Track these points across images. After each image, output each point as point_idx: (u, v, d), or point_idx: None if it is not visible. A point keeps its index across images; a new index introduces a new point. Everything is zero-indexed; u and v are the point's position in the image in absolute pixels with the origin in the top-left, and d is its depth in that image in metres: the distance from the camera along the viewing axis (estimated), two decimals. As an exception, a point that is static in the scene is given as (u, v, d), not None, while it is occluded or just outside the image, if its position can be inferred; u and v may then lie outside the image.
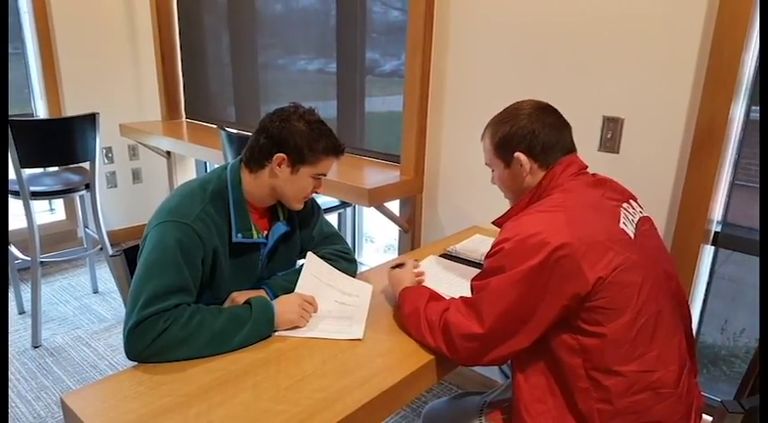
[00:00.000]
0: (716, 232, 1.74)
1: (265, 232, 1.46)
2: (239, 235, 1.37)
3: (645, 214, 1.28)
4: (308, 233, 1.60)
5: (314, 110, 1.41)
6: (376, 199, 2.18)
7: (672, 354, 1.13)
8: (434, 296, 1.34)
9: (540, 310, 1.09)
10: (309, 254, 1.53)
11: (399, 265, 1.55)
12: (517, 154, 1.24)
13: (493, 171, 1.34)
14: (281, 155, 1.35)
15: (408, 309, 1.33)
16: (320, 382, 1.14)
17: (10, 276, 2.98)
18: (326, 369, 1.19)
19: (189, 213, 1.29)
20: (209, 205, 1.33)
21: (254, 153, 1.38)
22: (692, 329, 1.27)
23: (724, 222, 1.74)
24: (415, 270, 1.53)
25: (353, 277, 1.59)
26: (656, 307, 1.12)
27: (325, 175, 1.44)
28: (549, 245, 1.07)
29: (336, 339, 1.30)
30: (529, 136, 1.23)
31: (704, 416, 1.24)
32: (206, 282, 1.34)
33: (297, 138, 1.35)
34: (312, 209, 1.61)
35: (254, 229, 1.40)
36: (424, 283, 1.49)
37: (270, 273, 1.50)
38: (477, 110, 2.15)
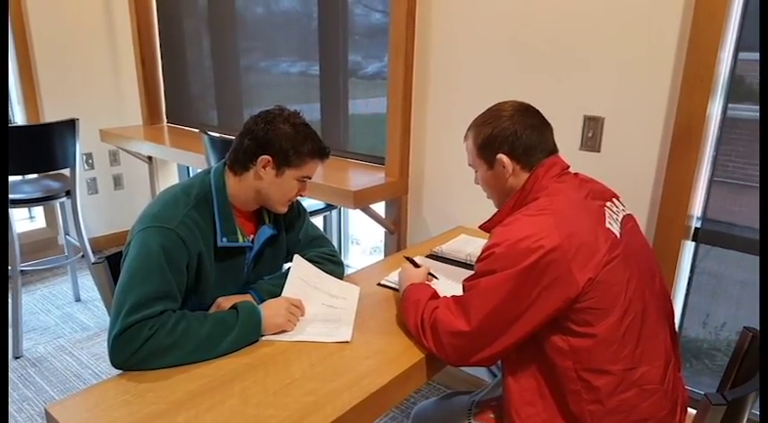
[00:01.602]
0: (696, 228, 1.77)
1: (251, 236, 1.45)
2: (224, 239, 1.36)
3: (627, 212, 1.30)
4: (294, 236, 1.60)
5: (299, 112, 1.41)
6: (361, 201, 2.18)
7: (657, 350, 1.15)
8: (435, 296, 1.34)
9: (529, 311, 1.10)
10: (296, 257, 1.53)
11: (415, 264, 1.57)
12: (500, 155, 1.25)
13: (476, 172, 1.35)
14: (266, 157, 1.35)
15: (410, 300, 1.34)
16: (309, 385, 1.14)
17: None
18: (315, 372, 1.18)
19: (172, 218, 1.28)
20: (193, 210, 1.32)
21: (239, 155, 1.38)
22: (675, 325, 1.29)
23: (704, 218, 1.77)
24: (428, 281, 1.54)
25: (341, 279, 1.59)
26: (641, 304, 1.14)
27: (310, 178, 1.44)
28: (540, 249, 1.08)
29: (324, 342, 1.30)
30: (511, 137, 1.24)
31: (689, 409, 1.26)
32: (191, 287, 1.33)
33: (282, 140, 1.35)
34: (298, 212, 1.60)
35: (239, 232, 1.39)
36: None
37: (256, 277, 1.49)
38: (459, 111, 2.16)
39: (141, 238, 1.26)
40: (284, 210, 1.45)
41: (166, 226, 1.26)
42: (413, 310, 1.31)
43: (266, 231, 1.47)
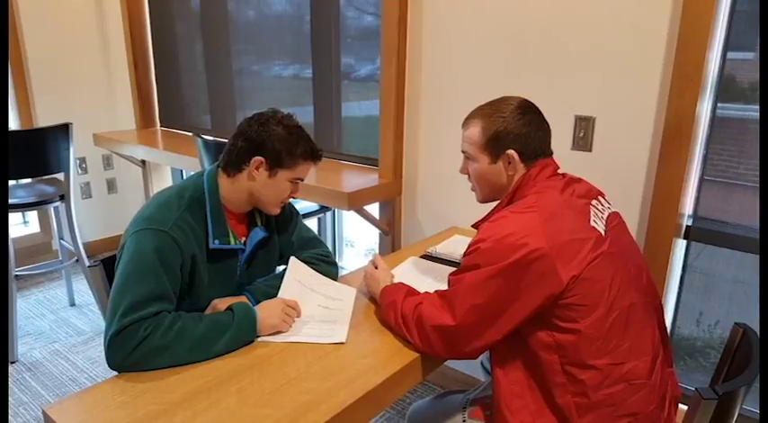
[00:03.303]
0: (687, 226, 1.79)
1: (243, 238, 1.46)
2: (216, 241, 1.36)
3: (613, 210, 1.32)
4: (287, 238, 1.60)
5: (292, 115, 1.42)
6: (355, 202, 2.19)
7: (644, 345, 1.16)
8: (411, 292, 1.36)
9: (513, 307, 1.12)
10: (292, 258, 1.53)
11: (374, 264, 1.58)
12: (510, 151, 1.26)
13: (467, 159, 1.35)
14: (260, 158, 1.36)
15: (386, 304, 1.36)
16: (305, 384, 1.15)
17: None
18: (311, 372, 1.19)
19: (166, 220, 1.28)
20: (186, 212, 1.33)
21: (233, 157, 1.38)
22: (664, 321, 1.31)
23: (695, 216, 1.79)
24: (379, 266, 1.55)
25: (335, 280, 1.60)
26: (627, 300, 1.15)
27: (302, 180, 1.45)
28: (525, 246, 1.09)
29: (319, 343, 1.31)
30: (524, 136, 1.26)
31: (681, 405, 1.27)
32: (185, 289, 1.34)
33: (275, 141, 1.36)
34: (290, 214, 1.61)
35: (231, 235, 1.40)
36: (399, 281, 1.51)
37: (249, 279, 1.50)
38: (452, 111, 2.18)
39: (135, 240, 1.26)
40: (277, 211, 1.46)
41: (160, 228, 1.27)
42: (392, 312, 1.33)
43: (258, 234, 1.48)
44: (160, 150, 3.08)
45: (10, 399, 2.33)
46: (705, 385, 1.07)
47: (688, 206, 1.77)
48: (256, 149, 1.36)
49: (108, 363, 1.18)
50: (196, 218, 1.34)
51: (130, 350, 1.15)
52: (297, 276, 1.50)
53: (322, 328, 1.37)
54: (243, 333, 1.27)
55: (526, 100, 1.31)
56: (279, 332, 1.33)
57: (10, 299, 2.60)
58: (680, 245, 1.82)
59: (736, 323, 1.26)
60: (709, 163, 1.75)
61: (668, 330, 1.54)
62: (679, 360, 2.11)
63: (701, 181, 1.76)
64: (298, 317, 1.39)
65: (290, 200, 1.50)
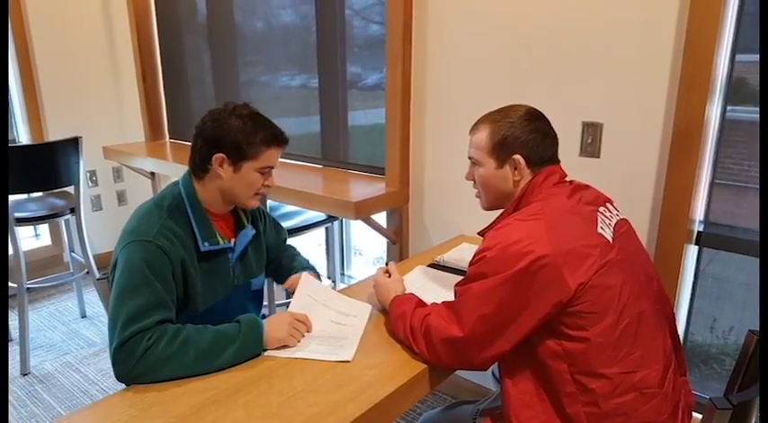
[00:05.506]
0: (699, 232, 1.77)
1: (232, 239, 1.46)
2: (206, 243, 1.36)
3: (622, 217, 1.30)
4: (270, 239, 1.66)
5: (248, 104, 1.40)
6: (362, 211, 2.19)
7: (655, 353, 1.15)
8: (421, 303, 1.35)
9: (522, 316, 1.10)
10: (304, 274, 1.54)
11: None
12: (517, 156, 1.26)
13: (473, 165, 1.35)
14: (220, 155, 1.34)
15: (396, 314, 1.35)
16: (312, 397, 1.14)
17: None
18: (318, 384, 1.18)
19: (149, 231, 1.29)
20: (169, 219, 1.33)
21: (196, 159, 1.38)
22: (676, 328, 1.29)
23: (706, 222, 1.77)
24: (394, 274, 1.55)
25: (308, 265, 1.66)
26: (637, 308, 1.14)
27: (272, 168, 1.42)
28: (531, 253, 1.09)
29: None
30: (531, 143, 1.26)
31: (695, 414, 1.25)
32: (181, 297, 1.34)
33: (231, 134, 1.34)
34: (260, 214, 1.62)
35: (218, 235, 1.40)
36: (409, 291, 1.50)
37: (244, 277, 1.51)
38: (458, 120, 2.17)
39: (124, 254, 1.27)
40: (255, 204, 1.45)
41: (145, 239, 1.27)
42: (401, 323, 1.32)
43: (248, 233, 1.49)
44: (169, 162, 3.10)
45: (22, 411, 2.34)
46: (720, 393, 1.06)
47: (699, 211, 1.75)
48: (215, 147, 1.34)
49: (115, 375, 1.18)
50: (179, 224, 1.34)
51: (135, 361, 1.16)
52: (309, 291, 1.49)
53: (331, 343, 1.34)
54: (249, 346, 1.26)
55: (534, 108, 1.32)
56: (286, 346, 1.31)
57: (23, 311, 2.61)
58: (691, 251, 1.80)
59: (750, 331, 1.24)
60: (720, 167, 1.73)
61: (681, 338, 1.52)
62: (693, 367, 2.09)
63: (712, 185, 1.74)
64: (308, 332, 1.38)
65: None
